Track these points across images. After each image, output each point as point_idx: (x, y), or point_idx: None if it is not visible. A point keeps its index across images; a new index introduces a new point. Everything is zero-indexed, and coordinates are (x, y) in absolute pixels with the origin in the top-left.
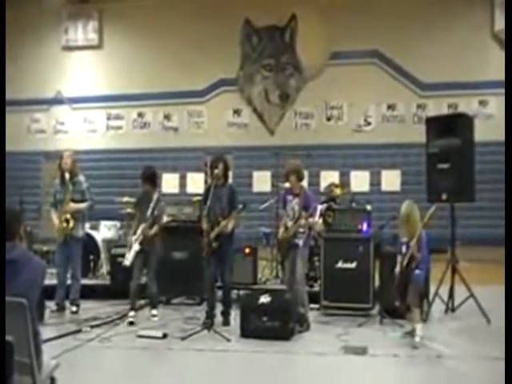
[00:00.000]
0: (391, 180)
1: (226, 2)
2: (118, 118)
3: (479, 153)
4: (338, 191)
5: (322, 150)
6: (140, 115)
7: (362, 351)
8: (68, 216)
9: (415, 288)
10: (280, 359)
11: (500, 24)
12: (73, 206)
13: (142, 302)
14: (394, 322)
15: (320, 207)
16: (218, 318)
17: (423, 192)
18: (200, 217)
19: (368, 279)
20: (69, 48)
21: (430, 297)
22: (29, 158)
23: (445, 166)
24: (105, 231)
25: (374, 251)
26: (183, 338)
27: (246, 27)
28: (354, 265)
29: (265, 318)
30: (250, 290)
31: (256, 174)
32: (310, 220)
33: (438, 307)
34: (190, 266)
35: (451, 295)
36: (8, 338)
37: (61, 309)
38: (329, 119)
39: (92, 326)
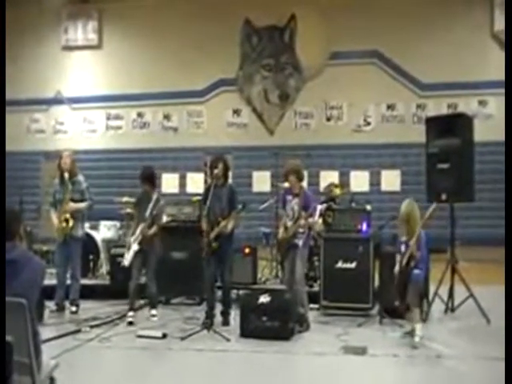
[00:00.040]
0: (391, 180)
1: (226, 2)
2: (117, 117)
3: (479, 153)
4: (337, 191)
5: (322, 150)
6: (139, 115)
7: (361, 351)
8: (67, 216)
9: (415, 288)
10: (280, 359)
11: (500, 24)
12: (72, 205)
13: (142, 301)
14: (393, 321)
15: (320, 207)
16: (218, 318)
17: (423, 192)
18: (200, 217)
19: (368, 279)
20: (68, 48)
21: (430, 297)
22: (28, 158)
23: (444, 166)
24: (104, 231)
25: (374, 251)
26: (183, 338)
27: (246, 27)
28: (353, 265)
29: (264, 318)
30: (249, 289)
31: (255, 174)
32: (310, 220)
33: (437, 307)
34: (189, 265)
35: (451, 295)
36: (7, 338)
37: (60, 309)
38: (328, 119)
39: (91, 326)
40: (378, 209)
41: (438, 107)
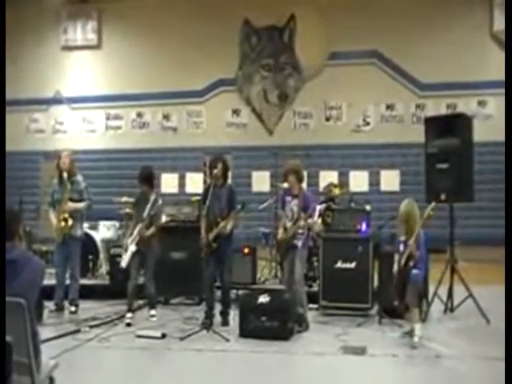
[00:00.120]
0: (390, 180)
1: (225, 2)
2: (117, 117)
3: (478, 153)
4: (336, 191)
5: (321, 150)
6: (139, 115)
7: (360, 351)
8: (66, 215)
9: (413, 288)
10: (279, 359)
11: (499, 24)
12: (71, 205)
13: (141, 302)
14: (392, 321)
15: (319, 207)
16: (217, 318)
17: (422, 192)
18: (199, 217)
19: (367, 279)
20: (68, 48)
21: (429, 297)
22: (28, 158)
23: (444, 166)
24: (104, 231)
25: (373, 251)
26: (182, 338)
27: (245, 27)
28: (353, 265)
29: (264, 318)
30: (248, 289)
31: (255, 174)
32: (309, 221)
33: (437, 307)
34: (189, 266)
35: (450, 295)
36: (7, 338)
37: (60, 309)
38: (328, 119)
39: (91, 326)
40: (378, 209)
41: (437, 107)
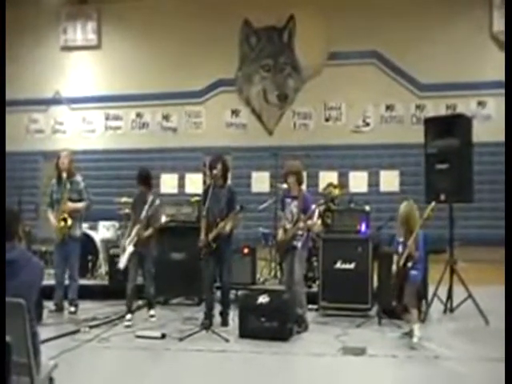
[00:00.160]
0: (390, 180)
1: (225, 2)
2: (116, 118)
3: (477, 153)
4: (336, 192)
5: (321, 151)
6: (138, 115)
7: (360, 352)
8: (66, 215)
9: (412, 288)
10: (278, 360)
11: (498, 25)
12: (70, 205)
13: (140, 302)
14: (392, 322)
15: (313, 206)
16: (217, 319)
17: (422, 192)
18: (199, 217)
19: (366, 280)
20: (67, 48)
21: (429, 297)
22: (27, 158)
23: (443, 166)
24: (103, 231)
25: (373, 252)
26: (181, 339)
27: (245, 28)
28: (352, 265)
29: (263, 319)
30: (248, 290)
31: (255, 175)
32: (309, 222)
33: (436, 308)
34: (188, 266)
35: (450, 296)
36: (6, 338)
37: (59, 309)
38: (327, 120)
39: (90, 327)
40: (377, 209)
41: (436, 108)
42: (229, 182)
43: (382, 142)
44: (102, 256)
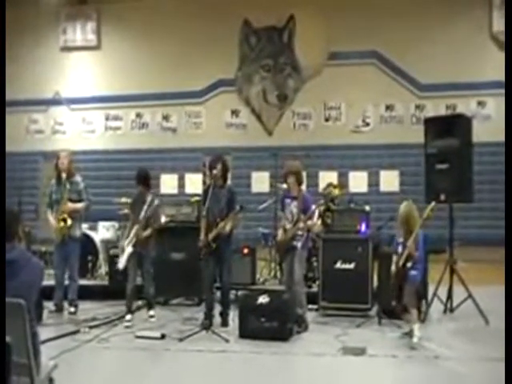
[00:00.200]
0: (390, 180)
1: (225, 2)
2: (116, 118)
3: (477, 153)
4: (336, 192)
5: (320, 151)
6: (138, 116)
7: (360, 352)
8: (65, 215)
9: (411, 288)
10: (278, 360)
11: (498, 25)
12: (70, 205)
13: (140, 302)
14: (392, 322)
15: (313, 207)
16: (217, 319)
17: (421, 193)
18: (199, 217)
19: (366, 280)
20: (67, 49)
21: (429, 297)
22: (27, 159)
23: (443, 166)
24: (103, 232)
25: (373, 252)
26: (181, 339)
27: (245, 28)
28: (352, 265)
29: (263, 319)
30: (248, 290)
31: (254, 175)
32: (309, 223)
33: (436, 308)
34: (188, 266)
35: (450, 296)
36: (6, 338)
37: (59, 309)
38: (327, 120)
39: (90, 327)
40: (377, 209)
41: (436, 108)
42: (229, 182)
43: (381, 142)
44: (101, 256)
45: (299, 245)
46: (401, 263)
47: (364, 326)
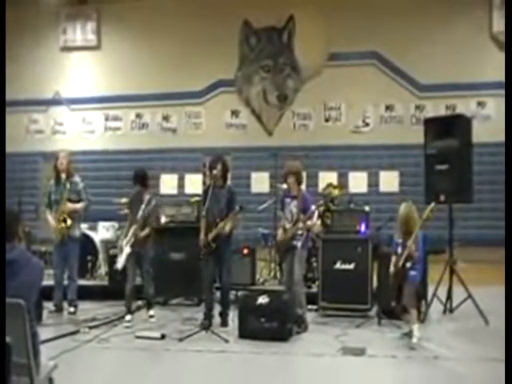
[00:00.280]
0: (389, 181)
1: (225, 2)
2: (116, 118)
3: (477, 154)
4: (336, 192)
5: (320, 151)
6: (138, 116)
7: (360, 352)
8: (65, 216)
9: (411, 289)
10: (278, 360)
11: (498, 25)
12: (69, 205)
13: (139, 302)
14: (391, 322)
15: (313, 207)
16: (216, 319)
17: (421, 193)
18: (198, 218)
19: (366, 280)
20: (67, 49)
21: (429, 298)
22: (27, 159)
23: (443, 167)
24: (103, 232)
25: (372, 252)
26: (181, 339)
27: (245, 28)
28: (352, 266)
29: (263, 319)
30: (248, 290)
31: (254, 175)
32: (309, 222)
33: (436, 308)
34: (188, 266)
35: (449, 296)
36: (6, 338)
37: (59, 309)
38: (327, 120)
39: (90, 327)
40: (377, 210)
41: (436, 108)
42: (228, 182)
43: (381, 143)
44: (101, 256)
45: (299, 244)
46: (400, 264)
47: (364, 327)
